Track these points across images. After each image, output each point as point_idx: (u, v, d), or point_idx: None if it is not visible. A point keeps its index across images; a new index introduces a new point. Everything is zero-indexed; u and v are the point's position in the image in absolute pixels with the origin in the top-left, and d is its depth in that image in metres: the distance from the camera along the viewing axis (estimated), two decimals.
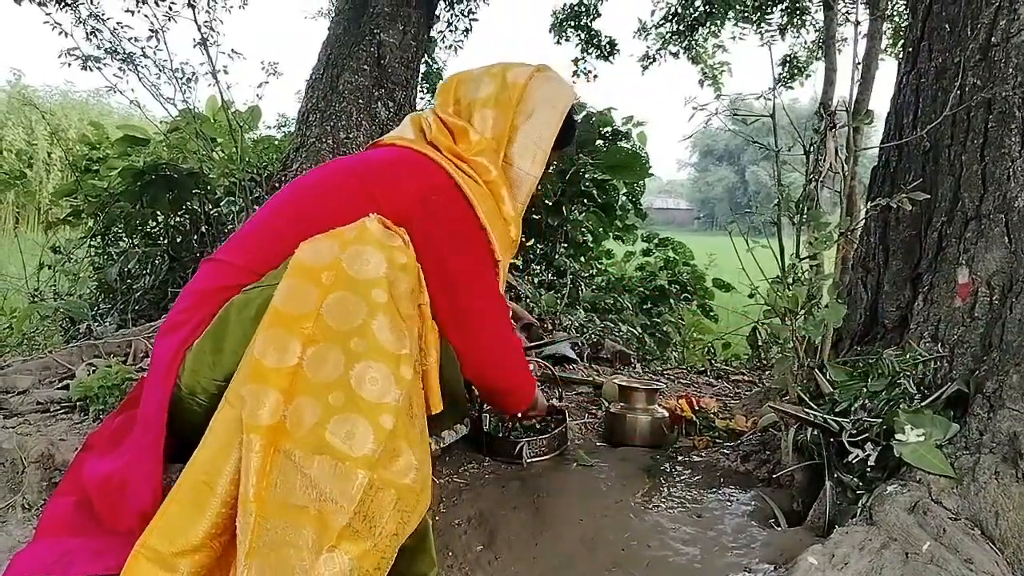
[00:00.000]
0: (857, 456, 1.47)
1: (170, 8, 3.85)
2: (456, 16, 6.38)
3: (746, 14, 7.21)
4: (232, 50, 3.89)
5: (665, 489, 1.71)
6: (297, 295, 1.14)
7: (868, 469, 1.46)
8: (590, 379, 2.59)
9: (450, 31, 6.53)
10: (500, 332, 1.52)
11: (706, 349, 3.86)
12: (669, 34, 7.59)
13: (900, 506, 1.33)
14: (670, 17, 7.38)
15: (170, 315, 1.35)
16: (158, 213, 3.74)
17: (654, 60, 7.86)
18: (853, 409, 1.57)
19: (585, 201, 4.11)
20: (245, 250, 1.35)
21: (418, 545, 1.24)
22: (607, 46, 7.20)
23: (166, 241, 3.80)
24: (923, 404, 1.51)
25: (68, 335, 3.41)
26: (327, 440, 1.06)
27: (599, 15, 7.16)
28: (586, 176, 3.95)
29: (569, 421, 1.98)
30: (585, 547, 1.44)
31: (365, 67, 3.59)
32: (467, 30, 6.48)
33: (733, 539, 1.46)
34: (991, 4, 1.79)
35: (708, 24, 7.39)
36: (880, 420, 1.50)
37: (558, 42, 7.30)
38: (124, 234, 3.94)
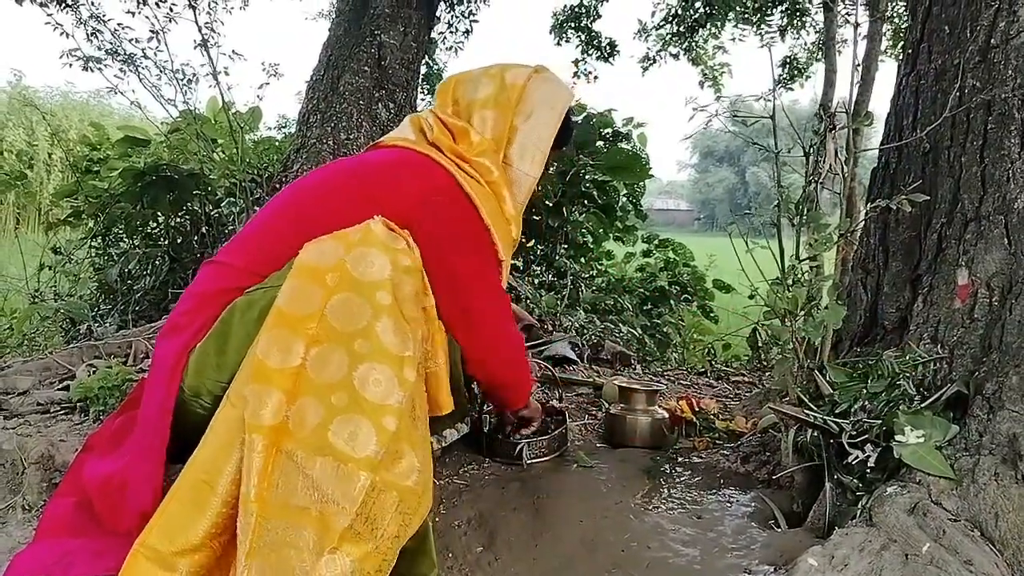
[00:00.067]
0: (857, 457, 1.47)
1: (171, 9, 3.86)
2: (456, 17, 6.38)
3: (746, 15, 7.21)
4: (233, 51, 3.89)
5: (665, 490, 1.71)
6: (301, 296, 1.15)
7: (868, 470, 1.46)
8: (590, 380, 2.59)
9: (451, 32, 6.54)
10: (503, 329, 1.53)
11: (706, 350, 3.86)
12: (669, 35, 7.59)
13: (900, 507, 1.33)
14: (670, 18, 7.38)
15: (171, 317, 1.35)
16: (159, 214, 3.74)
17: (654, 61, 7.86)
18: (853, 410, 1.57)
19: (585, 202, 4.11)
20: (246, 252, 1.35)
21: (418, 546, 1.24)
22: (607, 47, 7.21)
23: (167, 242, 3.80)
24: (923, 405, 1.51)
25: (68, 336, 3.41)
26: (330, 441, 1.06)
27: (599, 16, 7.17)
28: (586, 177, 3.95)
29: (569, 422, 1.98)
30: (585, 548, 1.44)
31: (366, 68, 3.59)
32: (467, 31, 6.48)
33: (733, 540, 1.46)
34: (990, 6, 1.79)
35: (708, 25, 7.39)
36: (880, 421, 1.50)
37: (558, 43, 7.31)
38: (125, 235, 3.93)
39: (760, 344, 3.02)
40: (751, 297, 1.95)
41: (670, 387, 2.65)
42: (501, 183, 1.50)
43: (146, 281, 3.61)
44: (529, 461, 1.80)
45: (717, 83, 8.35)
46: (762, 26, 7.34)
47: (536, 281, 3.87)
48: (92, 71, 3.88)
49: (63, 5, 3.86)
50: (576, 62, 7.35)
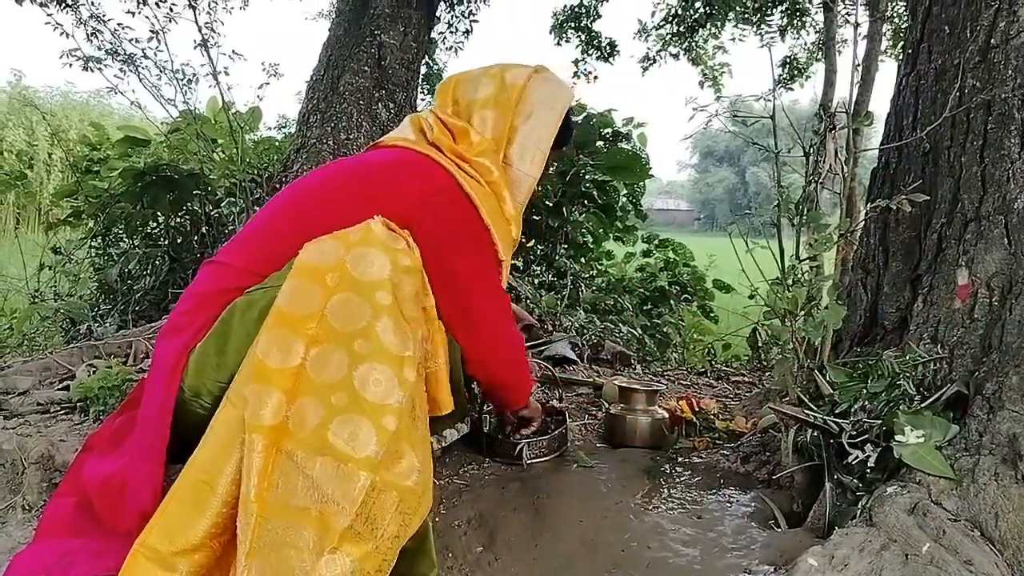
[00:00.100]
0: (857, 457, 1.47)
1: (171, 9, 3.86)
2: (456, 17, 6.38)
3: (746, 15, 7.21)
4: (233, 51, 3.89)
5: (665, 490, 1.71)
6: (301, 296, 1.15)
7: (868, 470, 1.46)
8: (590, 380, 2.59)
9: (451, 32, 6.54)
10: (503, 329, 1.54)
11: (706, 350, 3.86)
12: (669, 35, 7.59)
13: (900, 507, 1.33)
14: (670, 18, 7.39)
15: (171, 317, 1.35)
16: (159, 214, 3.74)
17: (654, 61, 7.87)
18: (853, 410, 1.57)
19: (585, 202, 4.11)
20: (246, 252, 1.35)
21: (418, 546, 1.24)
22: (607, 47, 7.21)
23: (166, 242, 3.80)
24: (923, 405, 1.51)
25: (68, 336, 3.41)
26: (330, 441, 1.06)
27: (599, 16, 7.17)
28: (586, 177, 3.95)
29: (569, 422, 1.98)
30: (585, 548, 1.44)
31: (366, 68, 3.59)
32: (468, 31, 6.48)
33: (733, 540, 1.46)
34: (990, 6, 1.79)
35: (708, 25, 7.39)
36: (880, 421, 1.50)
37: (558, 43, 7.32)
38: (124, 235, 3.94)
39: (760, 344, 3.02)
40: (751, 297, 1.95)
41: (670, 387, 2.65)
42: (501, 183, 1.50)
43: (146, 281, 3.61)
44: (529, 461, 1.80)
45: (717, 83, 8.36)
46: (762, 26, 7.34)
47: (536, 281, 3.87)
48: (92, 71, 3.88)
49: (63, 5, 3.86)
50: (576, 62, 7.35)
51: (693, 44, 7.76)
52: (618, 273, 4.70)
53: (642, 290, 4.57)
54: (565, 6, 7.11)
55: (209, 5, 4.20)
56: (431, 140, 1.49)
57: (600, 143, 4.22)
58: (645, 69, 7.93)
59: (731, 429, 2.04)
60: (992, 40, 1.77)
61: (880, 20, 6.59)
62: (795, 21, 7.55)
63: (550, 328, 3.21)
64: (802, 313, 1.72)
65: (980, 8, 1.82)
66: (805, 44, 8.18)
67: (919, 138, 1.90)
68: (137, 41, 3.91)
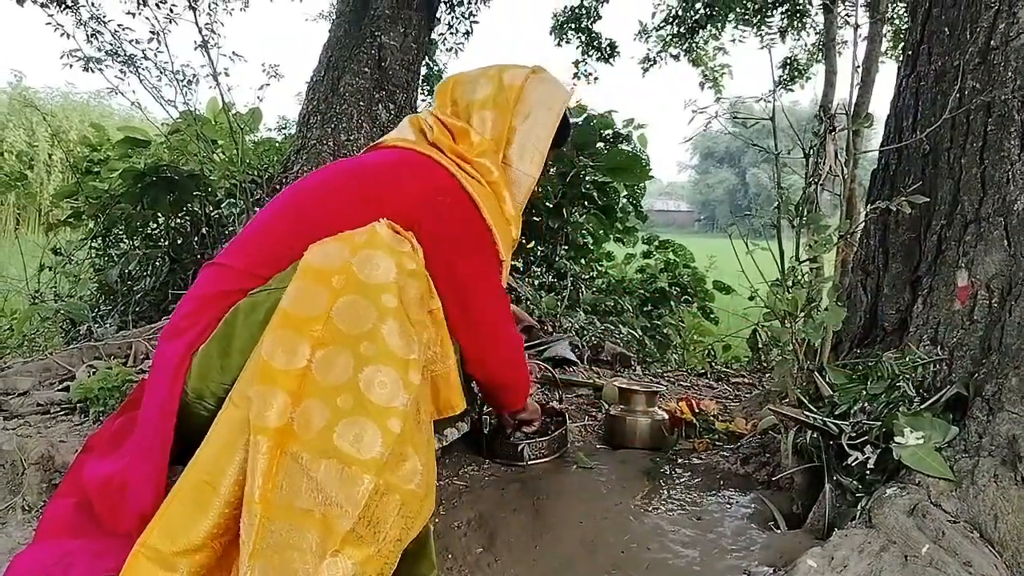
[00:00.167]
0: (856, 459, 1.47)
1: (171, 10, 3.87)
2: (457, 19, 6.38)
3: (746, 17, 7.22)
4: (233, 52, 3.91)
5: (665, 491, 1.71)
6: (306, 298, 1.14)
7: (867, 472, 1.46)
8: (590, 381, 2.59)
9: (451, 33, 6.54)
10: (503, 329, 1.54)
11: (706, 351, 3.86)
12: (670, 36, 7.61)
13: (899, 509, 1.33)
14: (671, 19, 7.40)
15: (172, 320, 1.35)
16: (159, 215, 3.74)
17: (655, 62, 7.88)
18: (853, 412, 1.57)
19: (586, 203, 4.12)
20: (246, 253, 1.35)
21: (419, 549, 1.24)
22: (607, 48, 7.22)
23: (167, 243, 3.80)
24: (922, 407, 1.51)
25: (68, 337, 3.41)
26: (335, 443, 1.06)
27: (600, 17, 7.18)
28: (587, 178, 3.96)
29: (569, 423, 1.98)
30: (585, 549, 1.44)
31: (366, 69, 3.59)
32: (468, 33, 6.49)
33: (733, 541, 1.46)
34: (990, 8, 1.79)
35: (708, 27, 7.41)
36: (879, 423, 1.50)
37: (559, 44, 7.33)
38: (125, 236, 3.94)
39: (760, 345, 3.02)
40: (751, 298, 1.96)
41: (670, 388, 2.65)
42: (501, 183, 1.50)
43: (146, 282, 3.61)
44: (529, 462, 1.80)
45: (717, 84, 8.37)
46: (762, 27, 7.35)
47: (536, 282, 3.87)
48: (92, 72, 3.89)
49: (63, 6, 3.86)
50: (576, 63, 7.36)
51: (693, 45, 7.77)
52: (618, 274, 4.71)
53: (642, 291, 4.58)
54: (565, 7, 7.13)
55: (209, 6, 4.20)
56: (431, 141, 1.49)
57: (600, 144, 4.23)
58: (645, 70, 7.95)
59: (731, 430, 2.04)
60: (992, 42, 1.77)
61: (880, 21, 6.60)
62: (795, 22, 7.56)
63: (550, 329, 3.21)
64: (802, 314, 1.72)
65: (980, 10, 1.82)
66: (805, 45, 8.20)
67: (919, 140, 1.91)
68: (137, 42, 3.92)
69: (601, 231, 4.39)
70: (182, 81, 3.90)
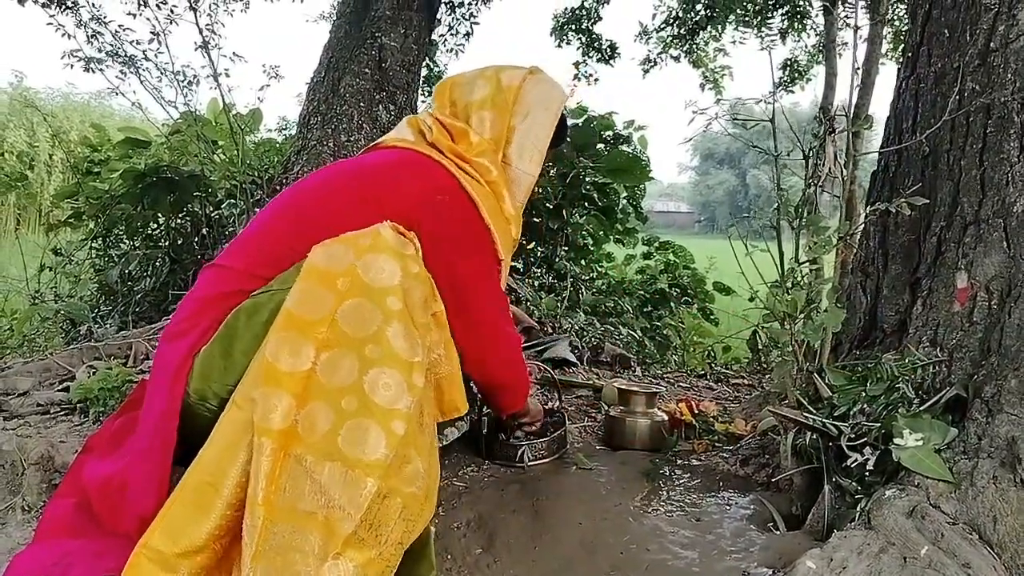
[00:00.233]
0: (856, 460, 1.47)
1: (172, 11, 3.87)
2: (457, 20, 6.40)
3: (747, 18, 7.23)
4: (233, 53, 3.91)
5: (664, 493, 1.71)
6: (311, 299, 1.14)
7: (867, 473, 1.46)
8: (590, 382, 2.59)
9: (451, 35, 6.55)
10: (501, 329, 1.55)
11: (706, 353, 3.86)
12: (670, 38, 7.62)
13: (898, 510, 1.33)
14: (671, 21, 7.41)
15: (173, 322, 1.35)
16: (159, 215, 3.75)
17: (655, 64, 7.89)
18: (852, 413, 1.57)
19: (586, 204, 4.12)
20: (246, 254, 1.35)
21: (419, 550, 1.24)
22: (608, 50, 7.23)
23: (167, 243, 3.81)
24: (922, 408, 1.51)
25: (69, 337, 3.41)
26: (339, 446, 1.06)
27: (600, 19, 7.19)
28: (587, 180, 3.96)
29: (568, 424, 1.98)
30: (584, 550, 1.45)
31: (366, 70, 3.59)
32: (468, 34, 6.50)
33: (732, 543, 1.46)
34: (990, 10, 1.79)
35: (709, 28, 7.41)
36: (879, 424, 1.50)
37: (559, 45, 7.34)
38: (125, 236, 3.94)
39: (760, 347, 3.02)
40: (751, 300, 1.96)
41: (670, 389, 2.66)
42: (500, 183, 1.51)
43: (146, 282, 3.61)
44: (529, 463, 1.80)
45: (718, 85, 8.37)
46: (763, 29, 7.36)
47: (536, 283, 3.87)
48: (93, 72, 3.90)
49: (64, 7, 3.87)
50: (577, 64, 7.37)
51: (694, 46, 7.78)
52: (618, 275, 4.71)
53: (642, 292, 4.58)
54: (566, 8, 7.14)
55: (210, 7, 4.21)
56: (430, 141, 1.50)
57: (601, 146, 4.23)
58: (646, 71, 7.96)
59: (730, 432, 2.04)
60: (991, 44, 1.78)
61: (880, 23, 6.60)
62: (796, 24, 7.57)
63: (550, 330, 3.21)
64: (801, 316, 1.72)
65: (979, 12, 1.82)
66: (805, 47, 8.20)
67: (919, 141, 1.91)
68: (138, 43, 3.93)
69: (601, 232, 4.39)
70: (183, 82, 3.91)
